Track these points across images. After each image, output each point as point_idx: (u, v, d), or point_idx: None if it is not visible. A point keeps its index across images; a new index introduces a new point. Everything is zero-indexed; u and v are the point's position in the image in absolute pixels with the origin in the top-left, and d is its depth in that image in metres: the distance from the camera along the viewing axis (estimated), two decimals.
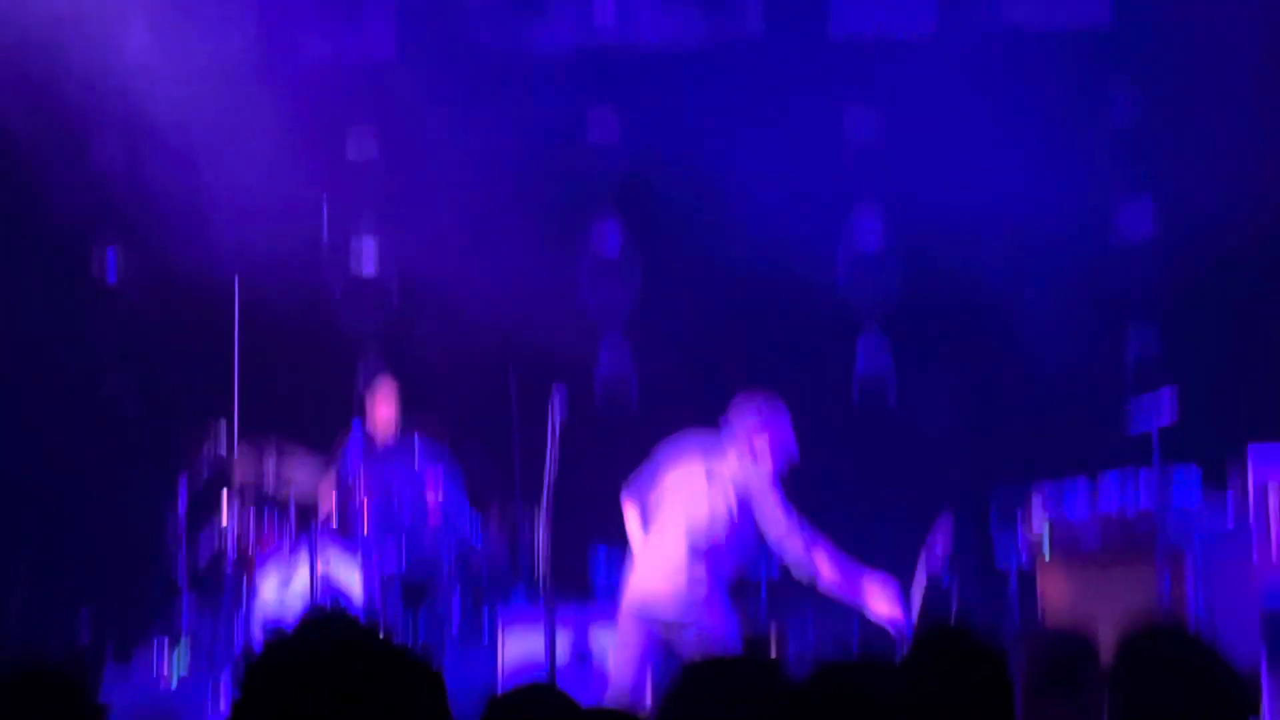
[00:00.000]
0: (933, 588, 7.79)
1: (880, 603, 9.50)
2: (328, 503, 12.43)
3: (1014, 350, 13.66)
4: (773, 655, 11.50)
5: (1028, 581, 11.44)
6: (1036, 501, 10.92)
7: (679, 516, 9.64)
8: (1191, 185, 12.99)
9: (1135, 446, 10.50)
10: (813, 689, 4.00)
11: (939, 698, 3.92)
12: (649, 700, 9.16)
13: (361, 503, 12.08)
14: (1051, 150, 13.10)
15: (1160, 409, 10.30)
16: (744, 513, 9.61)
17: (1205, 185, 12.85)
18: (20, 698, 4.81)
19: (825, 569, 9.48)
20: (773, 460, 9.80)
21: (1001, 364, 13.69)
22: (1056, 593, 10.56)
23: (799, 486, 13.68)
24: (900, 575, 13.17)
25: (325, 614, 4.11)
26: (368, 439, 12.64)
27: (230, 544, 12.00)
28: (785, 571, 13.51)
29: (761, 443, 9.77)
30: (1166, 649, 4.05)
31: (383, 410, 12.84)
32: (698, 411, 13.56)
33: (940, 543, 9.62)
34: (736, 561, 9.76)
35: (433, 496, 12.29)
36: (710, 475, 9.73)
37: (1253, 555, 10.38)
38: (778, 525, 9.56)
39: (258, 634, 11.69)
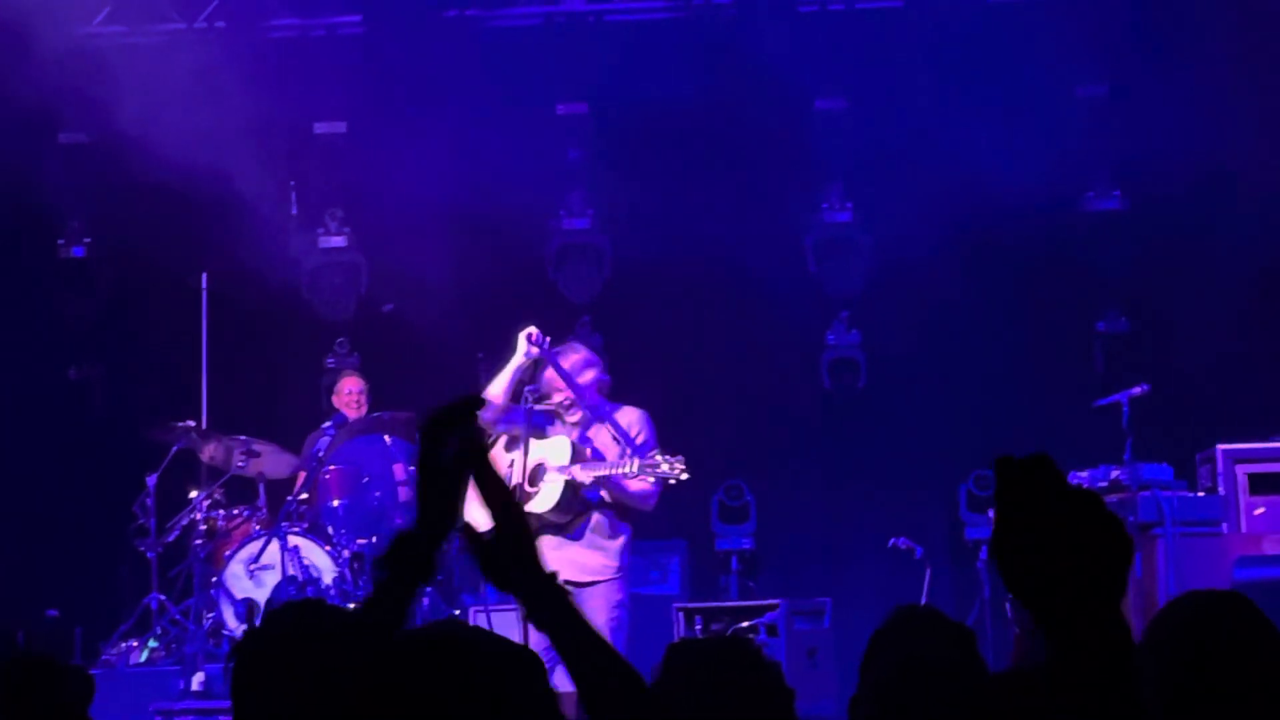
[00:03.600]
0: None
1: None
2: (297, 478, 12.43)
3: (984, 330, 13.71)
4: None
5: None
6: None
7: None
8: (1160, 158, 13.01)
9: (1105, 443, 10.60)
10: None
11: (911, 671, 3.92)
12: None
13: (330, 475, 12.06)
14: (1021, 123, 13.10)
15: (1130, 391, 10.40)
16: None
17: (1174, 157, 12.87)
18: (7, 678, 4.83)
19: None
20: None
21: (974, 344, 13.73)
22: None
23: (772, 466, 13.77)
24: (871, 551, 13.29)
25: (299, 604, 4.12)
26: (338, 418, 12.62)
27: (199, 520, 11.99)
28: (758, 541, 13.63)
29: None
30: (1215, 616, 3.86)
31: (351, 388, 12.83)
32: (667, 394, 13.62)
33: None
34: None
35: (402, 472, 12.27)
36: None
37: (1222, 528, 10.44)
38: None
39: (228, 611, 11.66)
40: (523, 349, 9.42)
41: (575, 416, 9.41)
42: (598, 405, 9.46)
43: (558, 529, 9.18)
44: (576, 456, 9.23)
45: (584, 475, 9.18)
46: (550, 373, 9.39)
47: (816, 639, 11.73)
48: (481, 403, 3.51)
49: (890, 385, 13.79)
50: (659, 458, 9.08)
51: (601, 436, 9.38)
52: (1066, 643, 2.34)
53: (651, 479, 9.17)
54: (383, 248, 13.90)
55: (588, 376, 9.44)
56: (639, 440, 9.30)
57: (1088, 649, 2.33)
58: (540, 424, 9.45)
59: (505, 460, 9.32)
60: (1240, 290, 13.16)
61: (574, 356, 9.46)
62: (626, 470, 9.16)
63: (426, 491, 3.38)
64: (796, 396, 13.94)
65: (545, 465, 9.26)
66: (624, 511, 9.40)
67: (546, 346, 9.41)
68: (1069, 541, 2.33)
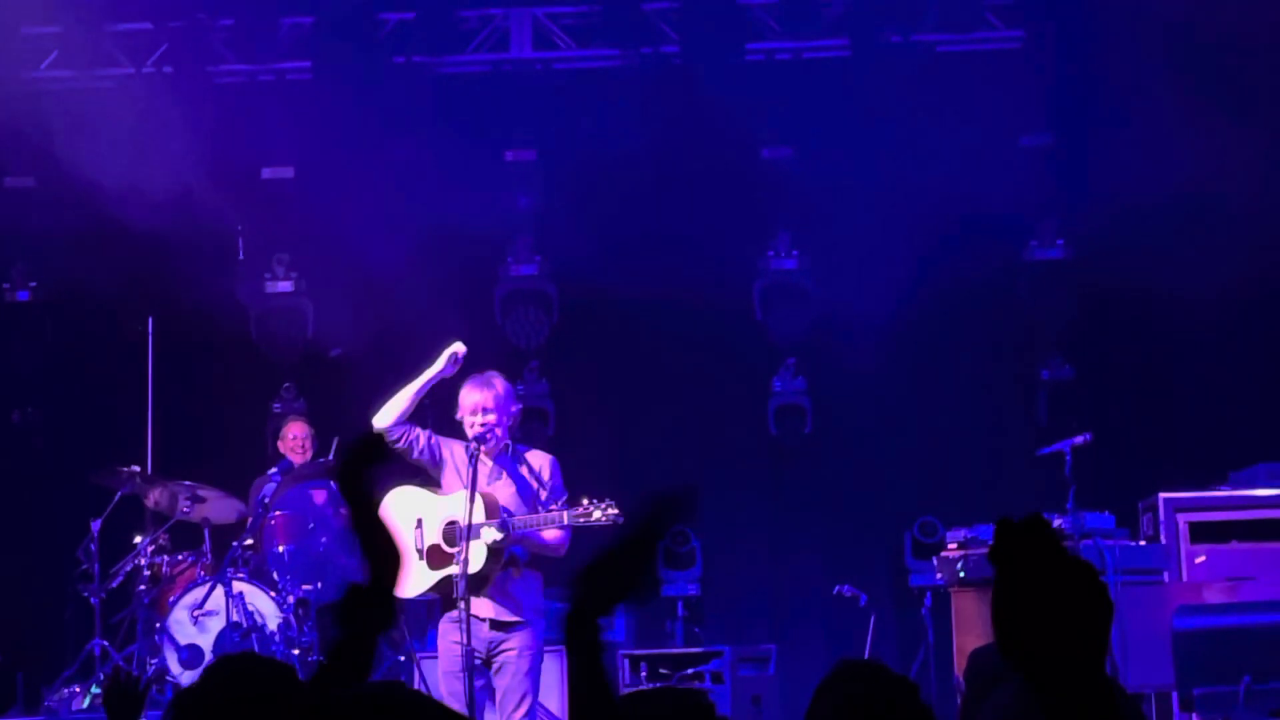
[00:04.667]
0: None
1: None
2: (243, 524, 12.38)
3: (929, 377, 13.79)
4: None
5: (942, 602, 11.54)
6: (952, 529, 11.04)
7: None
8: (1104, 207, 13.11)
9: (1048, 491, 10.69)
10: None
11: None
12: None
13: (276, 521, 12.03)
14: (965, 172, 13.18)
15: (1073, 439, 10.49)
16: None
17: (1117, 207, 12.97)
18: None
19: None
20: None
21: (919, 391, 13.81)
22: (970, 613, 10.64)
23: (718, 512, 13.78)
24: (817, 598, 13.32)
25: (234, 659, 4.11)
26: (284, 464, 12.60)
27: (143, 565, 11.95)
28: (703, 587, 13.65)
29: None
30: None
31: (297, 434, 12.81)
32: (613, 439, 13.65)
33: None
34: None
35: None
36: None
37: (1163, 577, 10.52)
38: None
39: (172, 658, 11.61)
40: (442, 364, 9.28)
41: (489, 448, 9.12)
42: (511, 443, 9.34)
43: (481, 583, 9.02)
44: (491, 512, 8.97)
45: (514, 527, 8.96)
46: (474, 398, 9.16)
47: (761, 685, 11.77)
48: (380, 438, 3.49)
49: (836, 432, 13.85)
50: (588, 505, 8.96)
51: (516, 476, 9.21)
52: (1055, 697, 2.44)
53: (559, 530, 9.09)
54: (330, 293, 13.88)
55: (513, 409, 9.33)
56: (548, 486, 9.20)
57: (1075, 704, 2.43)
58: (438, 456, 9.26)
59: (410, 519, 9.15)
60: (1182, 340, 13.28)
61: (500, 385, 9.25)
62: (555, 521, 9.02)
63: (368, 540, 3.33)
64: (743, 442, 13.98)
65: (459, 523, 9.01)
66: (535, 558, 9.25)
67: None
68: (1062, 605, 2.44)
